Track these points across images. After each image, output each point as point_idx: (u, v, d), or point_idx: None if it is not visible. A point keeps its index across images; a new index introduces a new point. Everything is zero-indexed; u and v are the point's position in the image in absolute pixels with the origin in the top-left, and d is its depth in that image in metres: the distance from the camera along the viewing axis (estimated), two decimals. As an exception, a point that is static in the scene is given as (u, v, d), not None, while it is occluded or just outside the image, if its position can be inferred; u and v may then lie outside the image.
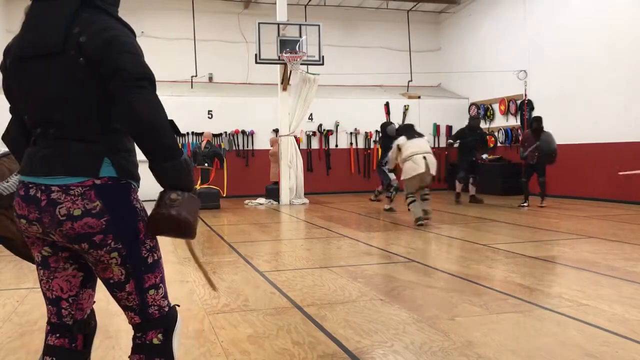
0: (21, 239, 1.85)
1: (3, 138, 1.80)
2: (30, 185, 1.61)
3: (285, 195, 11.39)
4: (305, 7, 14.71)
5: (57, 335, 1.74)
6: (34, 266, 1.80)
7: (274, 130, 13.07)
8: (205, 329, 3.18)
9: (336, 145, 14.22)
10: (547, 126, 12.21)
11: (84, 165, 1.58)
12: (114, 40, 1.57)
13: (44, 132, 1.62)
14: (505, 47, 13.42)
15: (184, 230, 1.63)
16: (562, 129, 11.68)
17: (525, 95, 12.77)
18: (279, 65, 11.52)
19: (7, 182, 1.88)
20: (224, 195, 11.01)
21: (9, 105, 1.77)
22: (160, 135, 1.57)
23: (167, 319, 1.74)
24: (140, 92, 1.55)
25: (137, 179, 1.69)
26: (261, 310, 3.54)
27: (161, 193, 1.65)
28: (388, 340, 2.95)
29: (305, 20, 13.06)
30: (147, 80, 1.58)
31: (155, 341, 1.70)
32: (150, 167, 1.61)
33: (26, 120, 1.68)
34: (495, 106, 13.90)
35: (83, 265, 1.74)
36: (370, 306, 3.62)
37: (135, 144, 1.67)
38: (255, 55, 11.17)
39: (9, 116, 1.79)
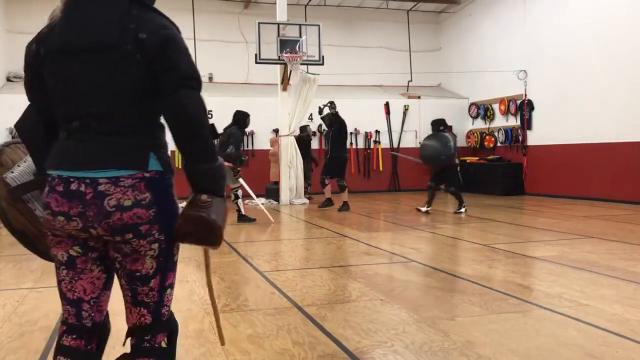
0: (33, 232, 1.81)
1: (17, 126, 1.76)
2: (71, 180, 1.57)
3: (285, 195, 11.39)
4: (305, 7, 14.71)
5: (74, 336, 1.70)
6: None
7: (274, 130, 13.07)
8: (205, 329, 3.18)
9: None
10: (546, 126, 12.29)
11: (134, 159, 1.59)
12: (172, 40, 1.61)
13: (84, 126, 1.60)
14: (505, 47, 13.42)
15: (212, 234, 1.62)
16: (562, 129, 11.70)
17: (525, 95, 12.77)
18: (279, 65, 11.52)
19: (13, 172, 1.83)
20: (224, 195, 10.99)
21: (28, 95, 1.73)
22: (203, 136, 1.61)
23: (173, 322, 1.73)
24: (190, 91, 1.60)
25: (174, 174, 1.71)
26: (261, 310, 3.54)
27: (192, 195, 1.66)
28: (388, 340, 2.95)
29: (305, 20, 13.06)
30: (196, 81, 1.63)
31: (163, 344, 1.69)
32: (186, 167, 1.63)
33: (61, 112, 1.64)
34: (495, 106, 13.90)
35: (107, 267, 1.73)
36: (370, 306, 3.62)
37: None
38: (255, 55, 11.16)
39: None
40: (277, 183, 11.67)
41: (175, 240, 1.67)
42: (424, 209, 8.93)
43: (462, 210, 8.88)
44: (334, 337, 3.02)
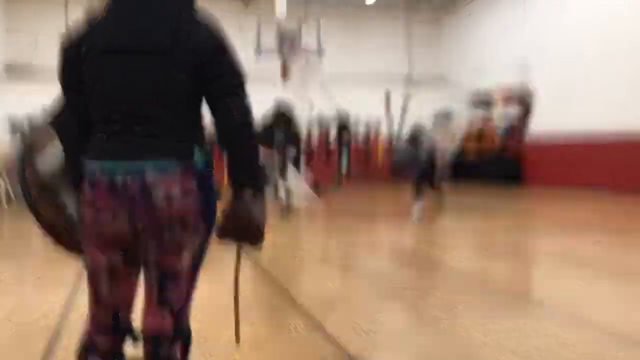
0: (61, 225, 1.79)
1: (52, 124, 1.75)
2: (116, 177, 1.56)
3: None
4: (305, 4, 14.70)
5: (107, 336, 1.72)
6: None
7: (273, 129, 13.05)
8: (205, 328, 3.17)
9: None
10: (548, 123, 12.27)
11: (179, 153, 1.60)
12: (224, 47, 1.64)
13: (127, 128, 1.58)
14: (504, 46, 13.44)
15: (254, 232, 1.66)
16: (563, 122, 11.69)
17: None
18: (278, 62, 11.52)
19: (43, 164, 1.80)
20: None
21: (65, 94, 1.71)
22: (250, 142, 1.64)
23: (189, 331, 1.72)
24: (238, 97, 1.64)
25: (213, 169, 1.74)
26: (261, 310, 3.54)
27: (234, 195, 1.68)
28: (388, 340, 2.95)
29: (305, 17, 13.06)
30: (243, 87, 1.67)
31: (178, 355, 1.67)
32: (230, 168, 1.66)
33: (102, 113, 1.61)
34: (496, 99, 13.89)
35: (140, 271, 1.73)
36: (370, 306, 3.62)
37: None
38: (255, 52, 11.17)
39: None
40: (276, 183, 11.67)
41: (218, 237, 1.68)
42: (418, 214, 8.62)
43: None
44: (334, 336, 3.02)
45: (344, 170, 11.89)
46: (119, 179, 1.55)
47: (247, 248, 1.76)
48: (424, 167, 8.40)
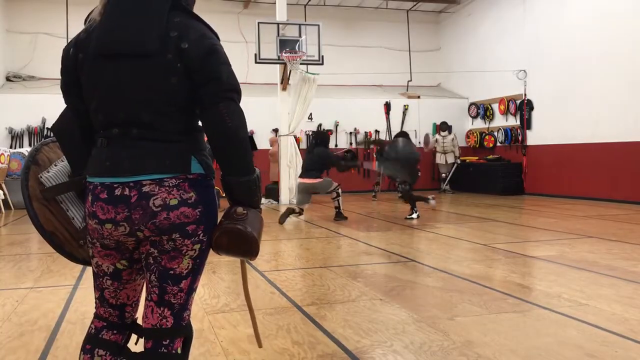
0: (63, 233, 1.79)
1: (53, 128, 1.76)
2: (114, 186, 1.57)
3: (285, 195, 11.39)
4: (305, 7, 14.71)
5: (115, 332, 1.75)
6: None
7: (273, 130, 13.08)
8: (205, 328, 3.18)
9: (336, 145, 14.23)
10: (546, 126, 12.29)
11: (177, 163, 1.59)
12: (214, 51, 1.60)
13: (124, 133, 1.59)
14: (505, 47, 13.42)
15: (247, 246, 1.63)
16: (562, 129, 11.70)
17: (525, 95, 12.78)
18: (278, 65, 11.53)
19: (49, 172, 1.81)
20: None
21: (65, 98, 1.73)
22: (242, 148, 1.61)
23: (190, 328, 1.73)
24: (229, 103, 1.60)
25: (214, 176, 1.72)
26: (261, 310, 3.54)
27: (228, 207, 1.68)
28: (388, 340, 2.95)
29: (305, 20, 13.07)
30: (236, 92, 1.63)
31: (179, 350, 1.67)
32: (223, 179, 1.65)
33: (100, 119, 1.62)
34: (495, 106, 13.91)
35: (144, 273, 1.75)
36: (369, 306, 3.62)
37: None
38: (255, 54, 11.17)
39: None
40: (276, 183, 11.67)
41: (212, 250, 1.68)
42: (414, 215, 8.49)
43: (414, 216, 8.39)
44: (334, 336, 3.02)
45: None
46: (117, 191, 1.57)
47: (242, 259, 1.76)
48: (403, 176, 8.43)
